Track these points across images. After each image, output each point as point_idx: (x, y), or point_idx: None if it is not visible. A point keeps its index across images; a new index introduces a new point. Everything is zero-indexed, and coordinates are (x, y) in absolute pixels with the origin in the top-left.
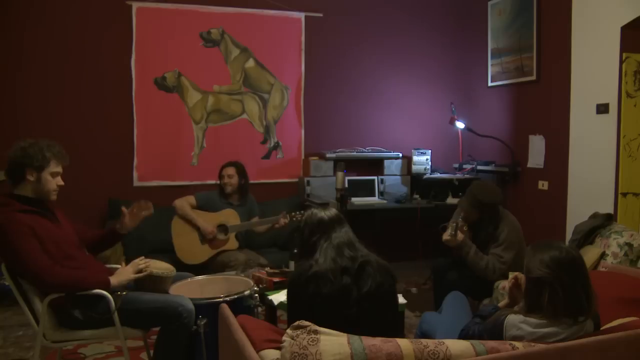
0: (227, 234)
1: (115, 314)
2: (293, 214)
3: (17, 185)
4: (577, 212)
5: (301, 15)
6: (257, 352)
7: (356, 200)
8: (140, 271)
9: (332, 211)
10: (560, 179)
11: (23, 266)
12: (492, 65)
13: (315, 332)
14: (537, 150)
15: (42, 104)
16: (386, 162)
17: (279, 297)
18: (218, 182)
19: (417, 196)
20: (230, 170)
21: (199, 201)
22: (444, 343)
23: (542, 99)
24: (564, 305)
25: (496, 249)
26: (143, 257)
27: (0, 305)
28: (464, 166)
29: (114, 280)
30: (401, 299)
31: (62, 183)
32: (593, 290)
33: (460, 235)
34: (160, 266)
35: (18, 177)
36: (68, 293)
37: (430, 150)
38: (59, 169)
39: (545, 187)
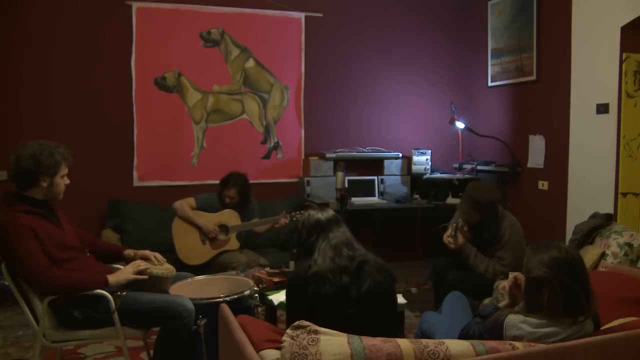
0: (228, 234)
1: (115, 314)
2: (293, 213)
3: (27, 189)
4: (577, 212)
5: (301, 15)
6: (257, 352)
7: (356, 200)
8: (140, 272)
9: (329, 212)
10: (560, 179)
11: (20, 268)
12: (492, 65)
13: (315, 332)
14: (537, 150)
15: (42, 103)
16: (386, 162)
17: (279, 297)
18: (220, 190)
19: (417, 196)
20: (232, 193)
21: (198, 203)
22: (444, 343)
23: (542, 99)
24: (564, 305)
25: (498, 252)
26: (142, 262)
27: (0, 305)
28: (464, 166)
29: (112, 279)
30: (401, 299)
31: (68, 182)
32: (593, 290)
33: (460, 239)
34: (160, 266)
35: (30, 183)
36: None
37: (430, 150)
38: (67, 170)
39: (545, 187)
